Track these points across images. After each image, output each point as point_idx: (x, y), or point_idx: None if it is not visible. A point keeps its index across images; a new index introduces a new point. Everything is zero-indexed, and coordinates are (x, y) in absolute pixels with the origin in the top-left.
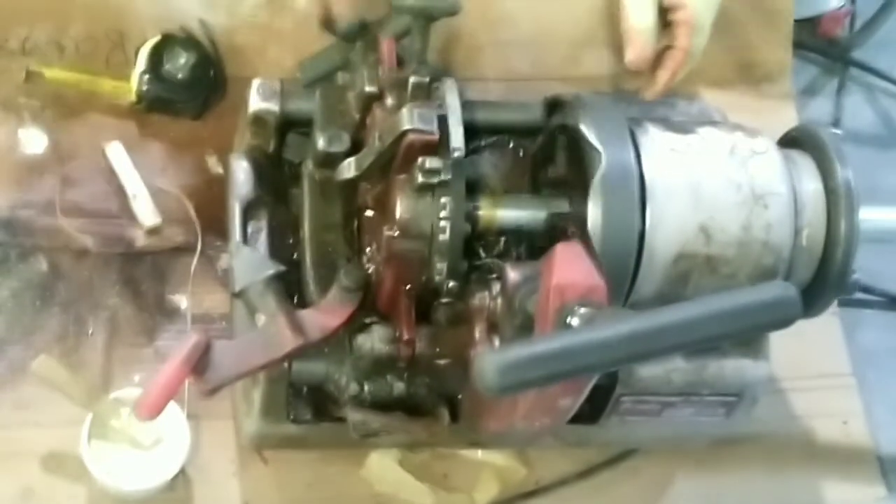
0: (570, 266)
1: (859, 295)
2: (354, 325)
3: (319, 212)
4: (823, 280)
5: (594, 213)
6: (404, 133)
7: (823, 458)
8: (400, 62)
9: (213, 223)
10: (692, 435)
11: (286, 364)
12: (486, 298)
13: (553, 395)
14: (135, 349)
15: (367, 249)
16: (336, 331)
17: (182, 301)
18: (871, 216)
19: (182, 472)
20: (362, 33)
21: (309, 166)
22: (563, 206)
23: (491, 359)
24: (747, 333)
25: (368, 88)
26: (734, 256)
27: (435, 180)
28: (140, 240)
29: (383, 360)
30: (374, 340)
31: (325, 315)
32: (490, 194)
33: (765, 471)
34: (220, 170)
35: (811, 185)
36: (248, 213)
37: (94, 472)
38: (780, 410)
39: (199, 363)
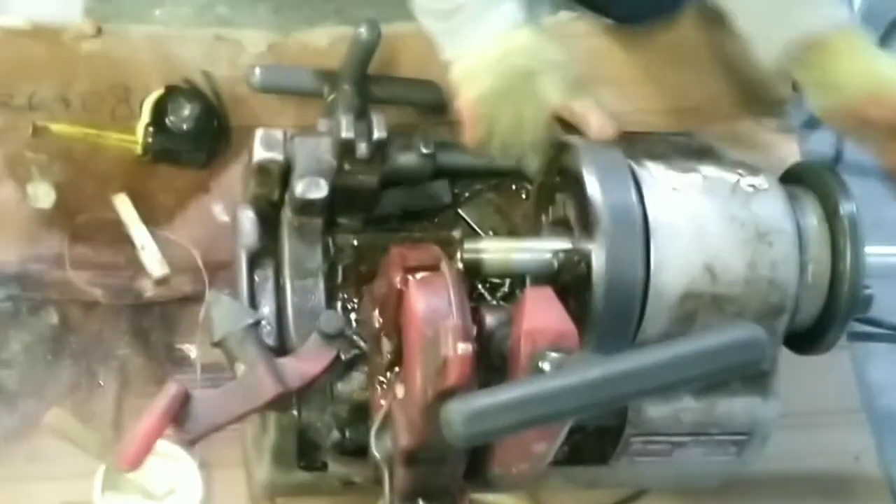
0: (540, 311)
1: (868, 328)
2: (335, 371)
3: (299, 258)
4: (831, 316)
5: (598, 255)
6: None
7: (836, 494)
8: None
9: (221, 272)
10: (703, 474)
11: (296, 412)
12: None
13: (527, 440)
14: (145, 399)
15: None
16: (316, 378)
17: (191, 350)
18: (876, 251)
19: None
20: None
21: (287, 213)
22: (566, 247)
23: (457, 408)
24: (716, 376)
25: (345, 135)
26: (740, 295)
27: None
28: (148, 290)
29: (364, 406)
30: (354, 387)
31: (304, 363)
32: (493, 237)
33: None
34: (226, 218)
35: (815, 221)
36: (254, 261)
37: None
38: (791, 447)
39: (180, 414)
